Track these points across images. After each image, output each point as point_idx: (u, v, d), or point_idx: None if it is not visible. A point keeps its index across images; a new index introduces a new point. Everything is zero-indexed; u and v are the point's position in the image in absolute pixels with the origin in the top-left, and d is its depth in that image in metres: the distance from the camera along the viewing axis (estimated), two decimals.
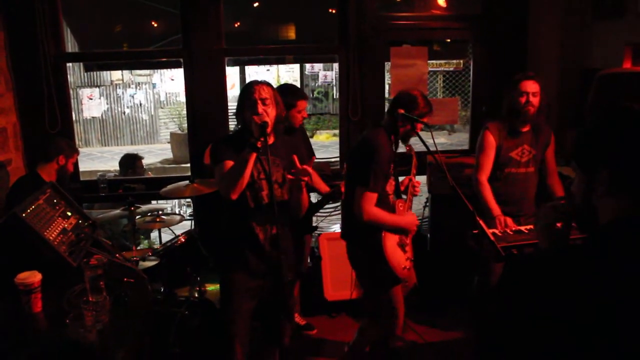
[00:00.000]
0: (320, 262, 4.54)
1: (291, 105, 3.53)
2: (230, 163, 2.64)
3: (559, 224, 1.54)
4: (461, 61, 12.21)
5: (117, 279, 2.46)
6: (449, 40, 5.35)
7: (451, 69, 13.90)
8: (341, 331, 4.19)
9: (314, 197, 4.29)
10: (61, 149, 3.73)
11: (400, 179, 3.31)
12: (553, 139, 3.63)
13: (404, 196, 3.26)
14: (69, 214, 2.74)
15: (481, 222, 2.83)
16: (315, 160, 4.19)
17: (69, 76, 4.67)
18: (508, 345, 1.20)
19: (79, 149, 4.20)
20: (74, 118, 4.83)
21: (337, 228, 5.18)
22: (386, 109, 3.22)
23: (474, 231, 2.91)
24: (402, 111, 2.98)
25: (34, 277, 2.22)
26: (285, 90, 3.58)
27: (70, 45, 5.33)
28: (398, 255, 3.09)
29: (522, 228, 3.27)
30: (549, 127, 3.64)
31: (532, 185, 3.63)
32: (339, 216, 5.30)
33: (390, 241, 3.06)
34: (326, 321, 4.47)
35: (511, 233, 3.20)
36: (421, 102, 3.04)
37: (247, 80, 14.32)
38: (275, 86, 2.83)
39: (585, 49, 4.47)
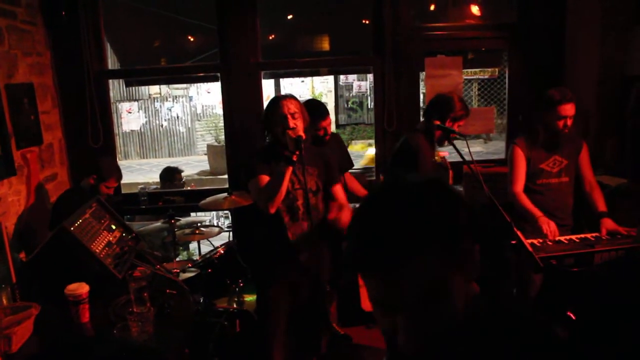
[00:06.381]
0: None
1: None
2: (264, 177, 2.70)
3: None
4: (496, 69, 12.07)
5: (160, 290, 2.53)
6: (483, 49, 5.31)
7: (486, 76, 13.76)
8: (378, 341, 4.17)
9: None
10: (97, 169, 3.76)
11: None
12: (585, 147, 3.55)
13: None
14: (114, 227, 2.84)
15: (519, 233, 2.81)
16: (351, 170, 4.20)
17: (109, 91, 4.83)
18: None
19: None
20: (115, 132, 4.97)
21: None
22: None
23: (512, 242, 2.89)
24: (437, 122, 2.99)
25: (82, 288, 2.31)
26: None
27: (111, 62, 5.48)
28: None
29: (562, 238, 3.22)
30: (580, 135, 3.59)
31: (568, 195, 3.55)
32: None
33: None
34: (363, 332, 4.46)
35: (550, 243, 3.16)
36: (457, 105, 3.03)
37: (282, 92, 14.43)
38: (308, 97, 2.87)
39: (625, 55, 4.37)
